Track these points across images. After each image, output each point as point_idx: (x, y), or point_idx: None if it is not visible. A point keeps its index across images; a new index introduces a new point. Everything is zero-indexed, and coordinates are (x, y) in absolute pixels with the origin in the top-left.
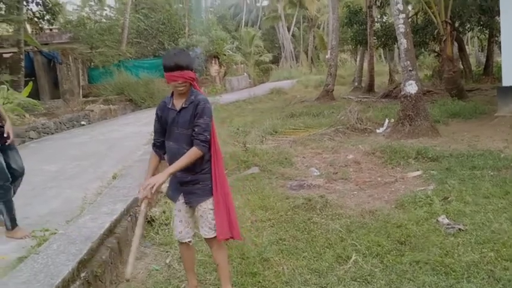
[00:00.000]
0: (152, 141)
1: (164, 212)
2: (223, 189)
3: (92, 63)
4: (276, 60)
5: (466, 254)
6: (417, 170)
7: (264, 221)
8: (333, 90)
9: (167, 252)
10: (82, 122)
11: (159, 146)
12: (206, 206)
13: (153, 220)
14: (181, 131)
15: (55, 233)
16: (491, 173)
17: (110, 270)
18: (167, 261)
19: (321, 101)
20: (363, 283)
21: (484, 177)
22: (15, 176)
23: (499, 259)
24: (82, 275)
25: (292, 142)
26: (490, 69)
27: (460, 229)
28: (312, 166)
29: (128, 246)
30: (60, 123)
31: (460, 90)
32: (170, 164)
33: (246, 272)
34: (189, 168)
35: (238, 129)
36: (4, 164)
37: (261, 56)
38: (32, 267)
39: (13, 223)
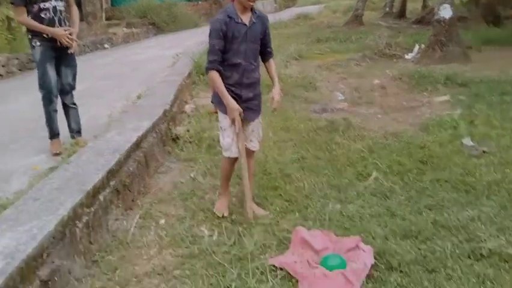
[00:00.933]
0: (212, 62)
1: (188, 131)
2: None
3: None
4: None
5: (488, 174)
6: (445, 95)
7: (286, 141)
8: (362, 15)
9: (191, 167)
10: (105, 45)
11: (221, 62)
12: (258, 120)
13: (178, 138)
14: (250, 46)
15: (84, 146)
16: None
17: (138, 181)
18: (192, 175)
19: (349, 27)
20: (382, 198)
21: None
22: (64, 90)
23: None
24: (111, 183)
25: (317, 67)
26: None
27: (484, 151)
28: (336, 91)
29: (154, 160)
30: (84, 45)
31: (496, 17)
32: (235, 83)
33: (268, 186)
34: (258, 84)
35: None
36: (52, 76)
37: None
38: (64, 175)
39: (51, 134)
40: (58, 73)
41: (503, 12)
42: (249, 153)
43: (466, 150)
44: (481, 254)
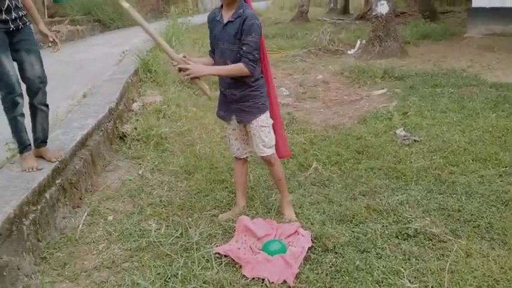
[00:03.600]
0: (210, 48)
1: (135, 129)
2: (277, 107)
3: None
4: None
5: (417, 161)
6: (382, 89)
7: None
8: (307, 11)
9: (139, 164)
10: (49, 44)
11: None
12: (257, 124)
13: (125, 136)
14: (226, 46)
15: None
16: (451, 91)
17: (84, 179)
18: (140, 172)
19: (295, 23)
20: (322, 186)
21: (444, 94)
22: (32, 87)
23: (447, 165)
24: (57, 181)
25: None
26: None
27: (415, 140)
28: (282, 86)
29: (101, 158)
30: None
31: (432, 12)
32: (219, 82)
33: (214, 179)
34: (238, 85)
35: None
36: (10, 70)
37: None
38: (8, 175)
39: (22, 146)
40: (19, 64)
41: (440, 7)
42: (262, 159)
43: (399, 140)
44: (408, 234)
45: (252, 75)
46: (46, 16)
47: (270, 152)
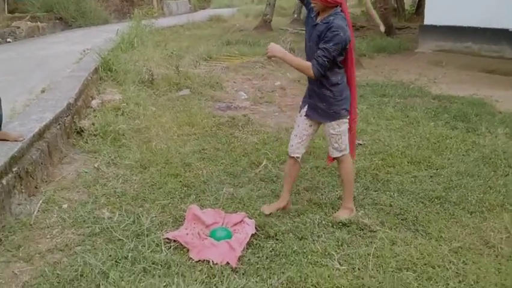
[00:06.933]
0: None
1: (93, 124)
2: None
3: None
4: None
5: (359, 162)
6: None
7: (190, 135)
8: (271, 20)
9: (96, 158)
10: (8, 39)
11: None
12: (327, 129)
13: (82, 131)
14: (311, 44)
15: None
16: (398, 100)
17: (41, 169)
18: (96, 165)
19: (258, 31)
20: (270, 182)
21: (390, 104)
22: None
23: (384, 166)
24: (14, 169)
25: (225, 68)
26: (422, 9)
27: (359, 143)
28: (241, 90)
29: (57, 151)
30: None
31: (389, 27)
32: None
33: (169, 173)
34: (318, 83)
35: (172, 53)
36: None
37: None
38: None
39: None
40: None
41: (399, 23)
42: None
43: None
44: (342, 223)
45: (328, 79)
46: (6, 11)
47: (339, 154)
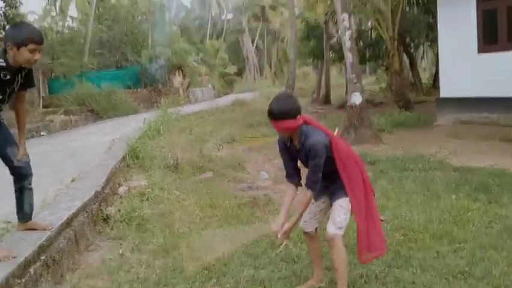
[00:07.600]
0: (285, 172)
1: (119, 211)
2: (366, 209)
3: (53, 74)
4: (240, 73)
5: None
6: None
7: (212, 217)
8: None
9: (120, 244)
10: (42, 133)
11: (291, 174)
12: (337, 202)
13: (108, 218)
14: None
15: None
16: (418, 174)
17: (67, 257)
18: (120, 251)
19: None
20: (291, 263)
21: (410, 177)
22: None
23: (406, 241)
24: (42, 258)
25: (247, 149)
26: (438, 82)
27: (381, 220)
28: (262, 170)
29: (84, 238)
30: None
31: (406, 102)
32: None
33: (190, 257)
34: (325, 181)
35: (196, 137)
36: None
37: (225, 67)
38: None
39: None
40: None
41: (416, 97)
42: (327, 240)
43: None
44: None
45: (333, 171)
46: (41, 106)
47: (334, 231)
